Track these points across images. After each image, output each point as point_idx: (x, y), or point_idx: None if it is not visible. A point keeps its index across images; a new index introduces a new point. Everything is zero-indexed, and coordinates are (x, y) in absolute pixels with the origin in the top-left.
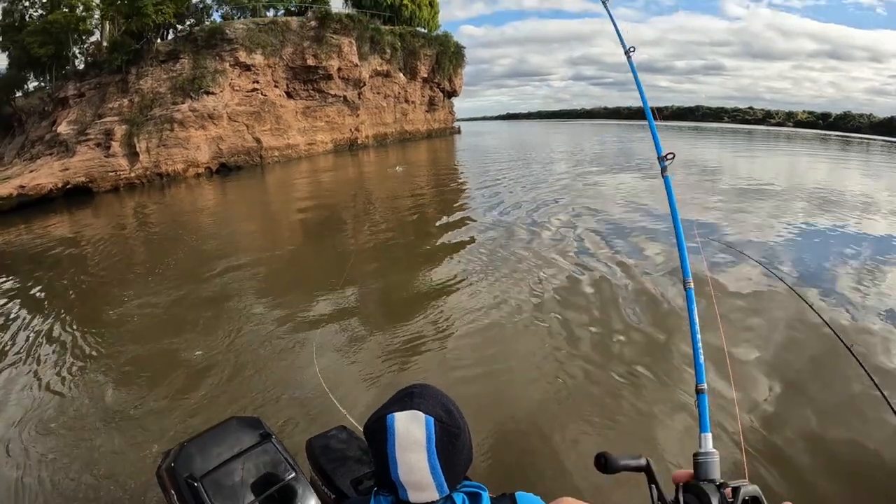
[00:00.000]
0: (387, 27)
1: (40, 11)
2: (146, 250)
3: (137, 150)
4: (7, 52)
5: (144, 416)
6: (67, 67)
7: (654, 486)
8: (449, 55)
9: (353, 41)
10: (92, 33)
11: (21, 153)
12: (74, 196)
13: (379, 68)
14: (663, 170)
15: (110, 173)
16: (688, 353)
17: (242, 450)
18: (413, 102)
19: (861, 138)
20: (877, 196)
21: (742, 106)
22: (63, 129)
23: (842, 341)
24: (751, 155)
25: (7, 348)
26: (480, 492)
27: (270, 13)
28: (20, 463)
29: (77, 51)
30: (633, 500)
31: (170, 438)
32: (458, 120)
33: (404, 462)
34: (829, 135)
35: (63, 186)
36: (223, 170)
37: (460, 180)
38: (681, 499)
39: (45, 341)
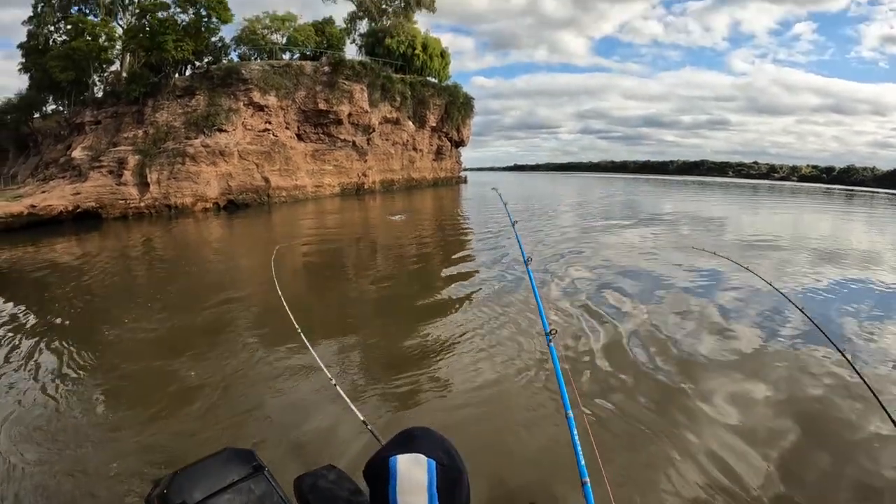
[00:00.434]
0: (398, 75)
1: (64, 37)
2: (148, 277)
3: (148, 180)
4: (29, 74)
5: (127, 430)
6: (86, 94)
7: None
8: (458, 105)
9: (365, 88)
10: (112, 63)
11: (35, 173)
12: (83, 220)
13: (388, 115)
14: (549, 341)
15: (120, 201)
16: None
17: (235, 481)
18: (421, 150)
19: (865, 191)
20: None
21: (747, 160)
22: (77, 153)
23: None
24: (754, 210)
25: (2, 358)
26: None
27: (286, 56)
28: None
29: (97, 78)
30: None
31: (148, 452)
32: (466, 169)
33: None
34: (833, 188)
35: (73, 210)
36: (231, 206)
37: (464, 228)
38: None
39: (40, 353)
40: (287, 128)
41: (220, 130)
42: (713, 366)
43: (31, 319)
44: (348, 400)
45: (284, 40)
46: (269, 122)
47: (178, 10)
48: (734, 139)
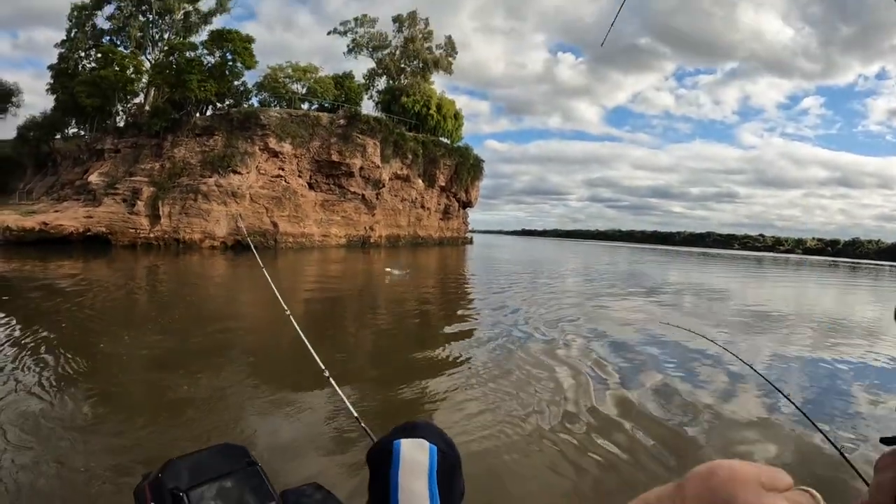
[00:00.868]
0: (411, 133)
1: (93, 64)
2: (150, 302)
3: (160, 212)
4: (56, 96)
5: (110, 430)
6: (108, 122)
7: None
8: (468, 167)
9: (378, 143)
10: (137, 95)
11: (50, 192)
12: (92, 243)
13: (399, 172)
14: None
15: (130, 229)
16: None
17: (229, 470)
18: (429, 209)
19: (869, 264)
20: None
21: (753, 233)
22: (94, 178)
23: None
24: (758, 283)
25: (8, 355)
26: None
27: (305, 106)
28: None
29: (120, 108)
30: None
31: (128, 451)
32: (473, 231)
33: (405, 488)
34: (838, 261)
35: (83, 232)
36: (238, 246)
37: (467, 290)
38: None
39: (37, 358)
40: (299, 175)
41: (235, 172)
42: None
43: (32, 327)
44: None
45: (304, 90)
46: (283, 169)
47: (206, 51)
48: (741, 211)
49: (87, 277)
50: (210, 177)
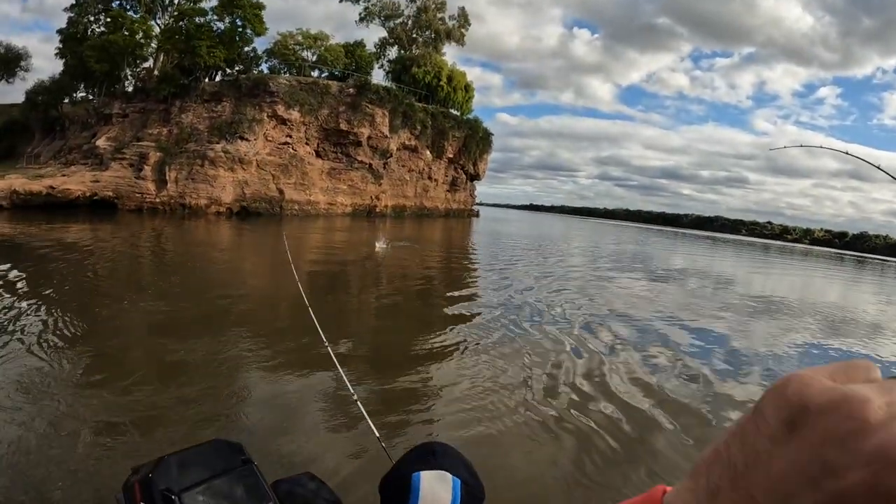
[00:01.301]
0: (420, 104)
1: (103, 29)
2: (153, 267)
3: (167, 177)
4: (64, 60)
5: (101, 390)
6: (117, 86)
7: None
8: (477, 139)
9: (387, 113)
10: (146, 60)
11: (58, 156)
12: (98, 207)
13: (407, 142)
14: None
15: (137, 194)
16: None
17: (224, 470)
18: (436, 180)
19: (876, 259)
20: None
21: (761, 220)
22: (102, 143)
23: None
24: (766, 271)
25: (6, 316)
26: None
27: (315, 73)
28: None
29: (129, 72)
30: None
31: (119, 411)
32: (482, 204)
33: None
34: (845, 254)
35: (90, 196)
36: (243, 213)
37: (472, 261)
38: None
39: (35, 318)
40: (307, 143)
41: (242, 138)
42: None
43: (33, 287)
44: (349, 383)
45: (314, 58)
46: (290, 136)
47: (216, 17)
48: (750, 197)
49: (92, 240)
50: (217, 143)
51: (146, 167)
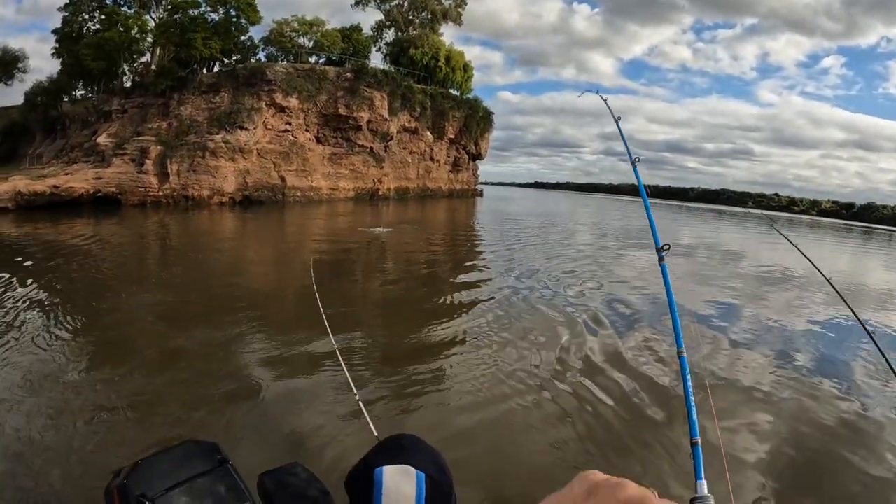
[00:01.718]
0: (419, 86)
1: (98, 26)
2: (156, 259)
3: (168, 171)
4: (61, 59)
5: (100, 376)
6: (115, 83)
7: None
8: (477, 119)
9: (385, 96)
10: (143, 54)
11: (60, 155)
12: (102, 204)
13: (407, 124)
14: (661, 259)
15: (140, 188)
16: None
17: (199, 472)
18: (438, 161)
19: (883, 229)
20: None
21: (768, 191)
22: (103, 139)
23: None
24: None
25: (4, 314)
26: None
27: (312, 59)
28: None
29: (126, 68)
30: None
31: (118, 395)
32: (487, 184)
33: None
34: (852, 224)
35: (93, 193)
36: (246, 202)
37: (475, 242)
38: None
39: (38, 309)
40: (307, 130)
41: (242, 128)
42: None
43: (40, 283)
44: (348, 375)
45: (311, 44)
46: (290, 124)
47: (209, 9)
48: (756, 169)
49: (96, 236)
50: (217, 133)
51: (148, 161)
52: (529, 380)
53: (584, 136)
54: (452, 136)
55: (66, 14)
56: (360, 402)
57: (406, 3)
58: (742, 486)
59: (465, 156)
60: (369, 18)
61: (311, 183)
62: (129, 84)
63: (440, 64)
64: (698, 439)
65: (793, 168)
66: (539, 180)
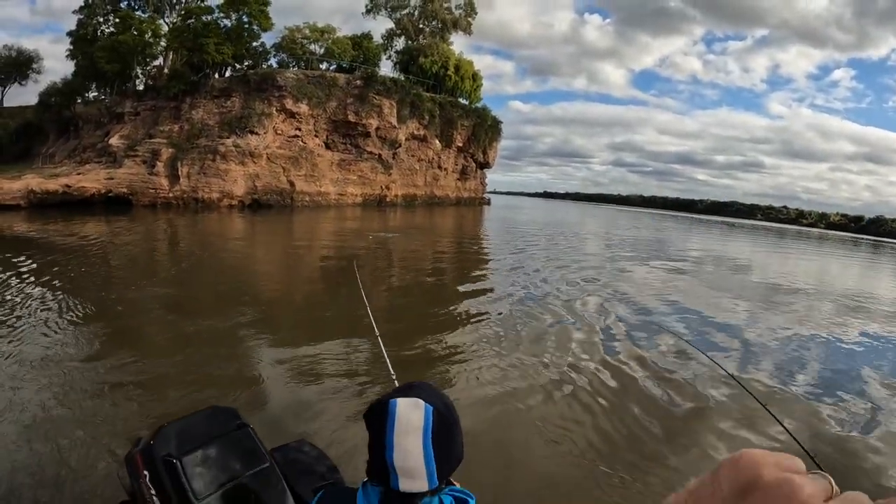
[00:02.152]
0: (428, 94)
1: (112, 29)
2: (165, 257)
3: (179, 173)
4: (75, 61)
5: (109, 361)
6: (128, 85)
7: None
8: (486, 128)
9: (394, 103)
10: (156, 57)
11: (72, 156)
12: (114, 204)
13: (416, 132)
14: None
15: (150, 189)
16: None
17: (221, 433)
18: (445, 169)
19: (893, 242)
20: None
21: (777, 204)
22: (115, 141)
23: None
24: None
25: (18, 303)
26: (469, 499)
27: (323, 66)
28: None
29: (140, 71)
30: None
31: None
32: (497, 193)
33: (401, 446)
34: (861, 238)
35: (105, 193)
36: (255, 205)
37: (483, 250)
38: None
39: (51, 298)
40: (316, 136)
41: (252, 133)
42: None
43: (50, 276)
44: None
45: (322, 51)
46: (299, 129)
47: (222, 15)
48: (766, 182)
49: (107, 235)
50: (227, 138)
51: (159, 163)
52: (544, 376)
53: (594, 146)
54: (461, 145)
55: (81, 17)
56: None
57: (417, 12)
58: None
59: (473, 164)
60: (380, 27)
61: (320, 188)
62: (141, 87)
63: (449, 73)
64: None
65: (802, 180)
66: (548, 190)
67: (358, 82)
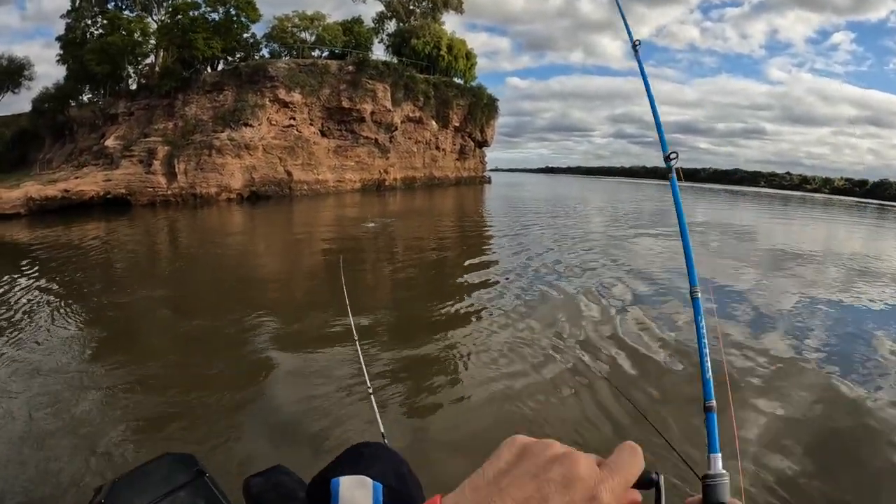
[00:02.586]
0: (422, 76)
1: (101, 31)
2: (165, 256)
3: (176, 170)
4: (66, 65)
5: (104, 357)
6: (120, 86)
7: None
8: (482, 106)
9: (388, 87)
10: (147, 57)
11: (69, 160)
12: (113, 205)
13: (411, 114)
14: (668, 170)
15: (148, 188)
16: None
17: (176, 487)
18: (443, 150)
19: None
20: None
21: (780, 171)
22: (110, 142)
23: None
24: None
25: (23, 307)
26: None
27: (315, 54)
28: None
29: (131, 71)
30: None
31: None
32: (496, 170)
33: None
34: (866, 202)
35: (104, 195)
36: (253, 197)
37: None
38: None
39: (48, 306)
40: (311, 124)
41: (246, 125)
42: None
43: (51, 279)
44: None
45: (313, 38)
46: (294, 118)
47: (209, 9)
48: (768, 148)
49: (108, 237)
50: (222, 131)
51: (155, 162)
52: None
53: (594, 119)
54: (457, 125)
55: (69, 20)
56: (371, 396)
57: None
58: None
59: (471, 143)
60: (370, 10)
61: (318, 176)
62: (134, 86)
63: (442, 53)
64: (713, 404)
65: (804, 146)
66: (550, 165)
67: (350, 68)
